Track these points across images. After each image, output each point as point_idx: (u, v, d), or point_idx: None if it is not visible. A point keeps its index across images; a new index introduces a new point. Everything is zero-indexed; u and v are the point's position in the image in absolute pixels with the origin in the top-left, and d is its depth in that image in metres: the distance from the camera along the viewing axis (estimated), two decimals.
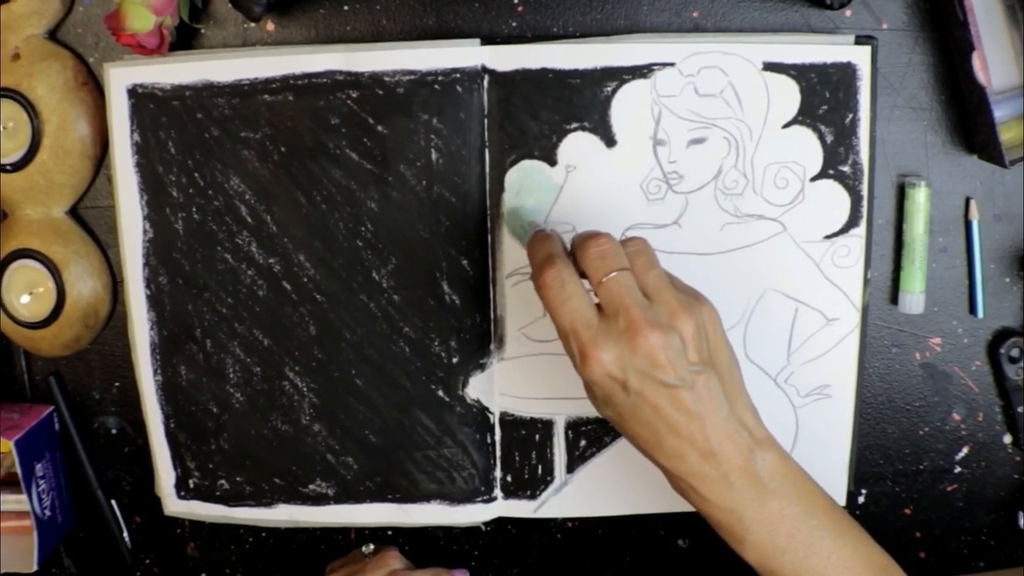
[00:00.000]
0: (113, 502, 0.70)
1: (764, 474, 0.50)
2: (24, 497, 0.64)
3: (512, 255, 0.63)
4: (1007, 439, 0.67)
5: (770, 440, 0.51)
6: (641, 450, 0.51)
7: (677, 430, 0.49)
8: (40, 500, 0.66)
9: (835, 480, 0.66)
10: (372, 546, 0.65)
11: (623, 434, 0.52)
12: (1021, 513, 0.68)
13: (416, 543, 0.69)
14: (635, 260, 0.50)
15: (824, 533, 0.51)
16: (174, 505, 0.69)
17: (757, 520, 0.50)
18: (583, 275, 0.51)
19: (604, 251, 0.49)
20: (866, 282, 0.63)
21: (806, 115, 0.61)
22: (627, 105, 0.61)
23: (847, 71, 0.60)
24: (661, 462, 0.50)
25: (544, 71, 0.61)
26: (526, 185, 0.62)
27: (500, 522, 0.69)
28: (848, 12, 0.62)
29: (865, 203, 0.62)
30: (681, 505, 0.67)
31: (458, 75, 0.61)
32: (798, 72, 0.60)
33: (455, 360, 0.65)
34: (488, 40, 0.61)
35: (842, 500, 0.66)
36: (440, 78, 0.61)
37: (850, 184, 0.62)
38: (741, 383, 0.52)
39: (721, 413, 0.49)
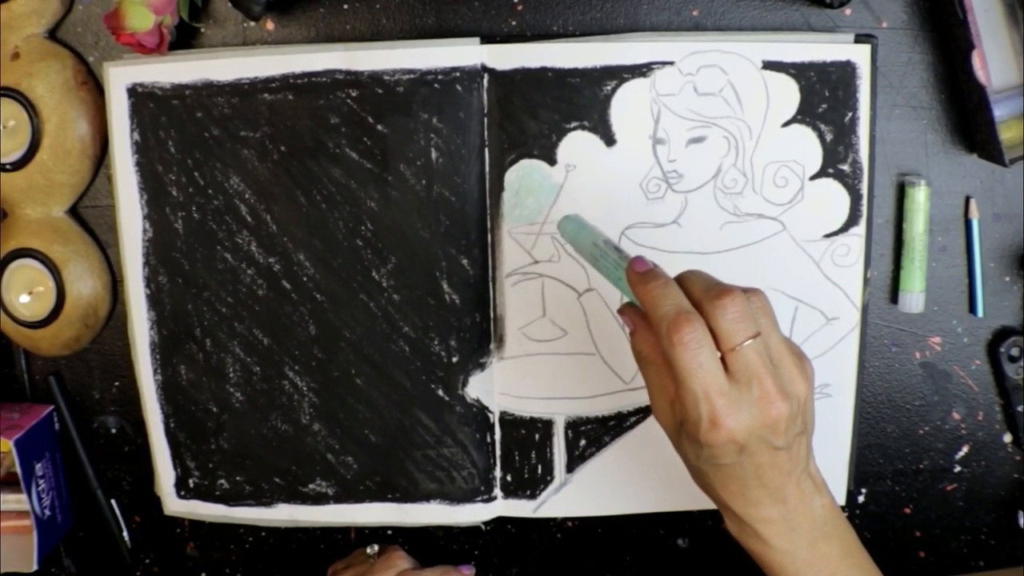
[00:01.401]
0: (113, 502, 0.70)
1: (819, 519, 0.51)
2: (24, 497, 0.64)
3: (511, 255, 0.63)
4: (1007, 438, 0.67)
5: (825, 486, 0.52)
6: (717, 497, 0.52)
7: (764, 483, 0.50)
8: (40, 499, 0.66)
9: (835, 479, 0.66)
10: (376, 547, 0.65)
11: (702, 483, 0.52)
12: (1021, 512, 0.68)
13: (416, 543, 0.69)
14: (758, 319, 0.48)
15: (857, 572, 0.53)
16: (174, 504, 0.69)
17: (808, 562, 0.52)
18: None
19: (740, 314, 0.47)
20: (866, 281, 0.63)
21: (805, 114, 0.61)
22: (627, 104, 0.61)
23: (847, 70, 0.60)
24: (737, 510, 0.51)
25: (544, 70, 0.61)
26: (525, 185, 0.62)
27: (500, 522, 0.69)
28: (848, 11, 0.62)
29: (865, 202, 0.62)
30: (681, 505, 0.67)
31: (458, 74, 0.61)
32: (797, 71, 0.60)
33: (455, 359, 0.65)
34: (488, 39, 0.61)
35: (842, 499, 0.66)
36: (440, 77, 0.61)
37: (850, 183, 0.62)
38: (812, 435, 0.52)
39: (800, 467, 0.50)
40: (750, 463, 0.49)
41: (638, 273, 0.49)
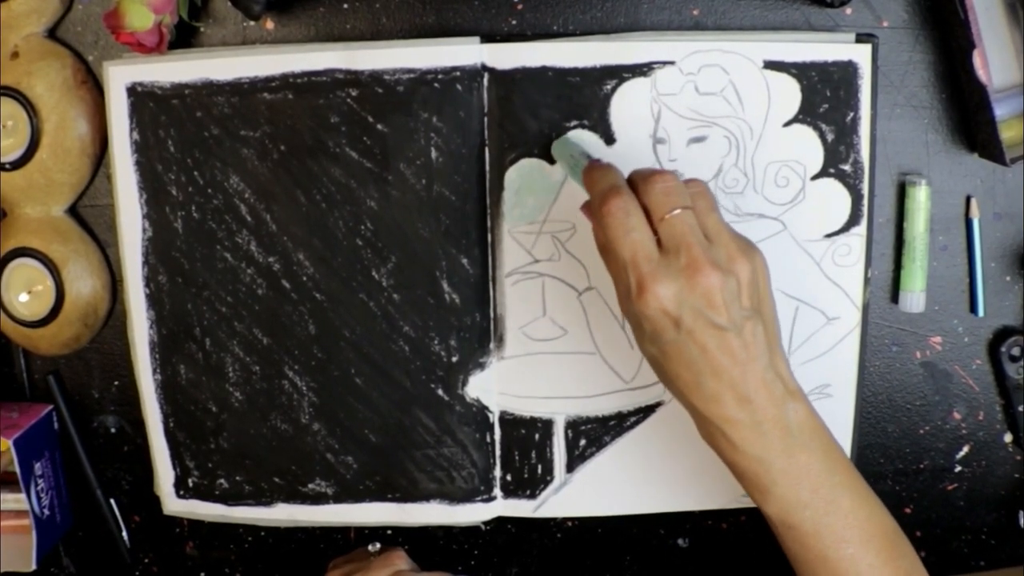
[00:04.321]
0: (112, 501, 0.70)
1: (794, 425, 0.50)
2: (23, 496, 0.64)
3: (512, 254, 0.63)
4: (1007, 438, 0.67)
5: (800, 393, 0.51)
6: (677, 391, 0.51)
7: (719, 373, 0.49)
8: (39, 499, 0.66)
9: None
10: (379, 545, 0.65)
11: (660, 375, 0.52)
12: (1022, 512, 0.68)
13: (416, 542, 0.69)
14: (696, 201, 0.50)
15: (844, 491, 0.51)
16: (173, 504, 0.69)
17: (784, 472, 0.50)
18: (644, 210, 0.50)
19: (669, 188, 0.49)
20: (867, 281, 0.63)
21: (807, 113, 0.61)
22: (627, 103, 0.61)
23: (848, 69, 0.60)
24: (697, 405, 0.50)
25: (544, 69, 0.60)
26: (526, 183, 0.62)
27: (500, 521, 0.69)
28: (848, 10, 0.62)
29: (866, 202, 0.62)
30: (681, 505, 0.67)
31: (458, 73, 0.61)
32: (799, 70, 0.60)
33: (455, 359, 0.65)
34: (488, 38, 0.61)
35: None
36: (440, 76, 0.61)
37: (851, 183, 0.62)
38: (779, 335, 0.52)
39: (762, 361, 0.49)
40: (692, 343, 0.48)
41: (590, 166, 0.53)
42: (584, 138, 0.61)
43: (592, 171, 0.52)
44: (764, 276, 0.51)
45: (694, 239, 0.48)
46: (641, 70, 0.60)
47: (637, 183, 0.50)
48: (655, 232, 0.49)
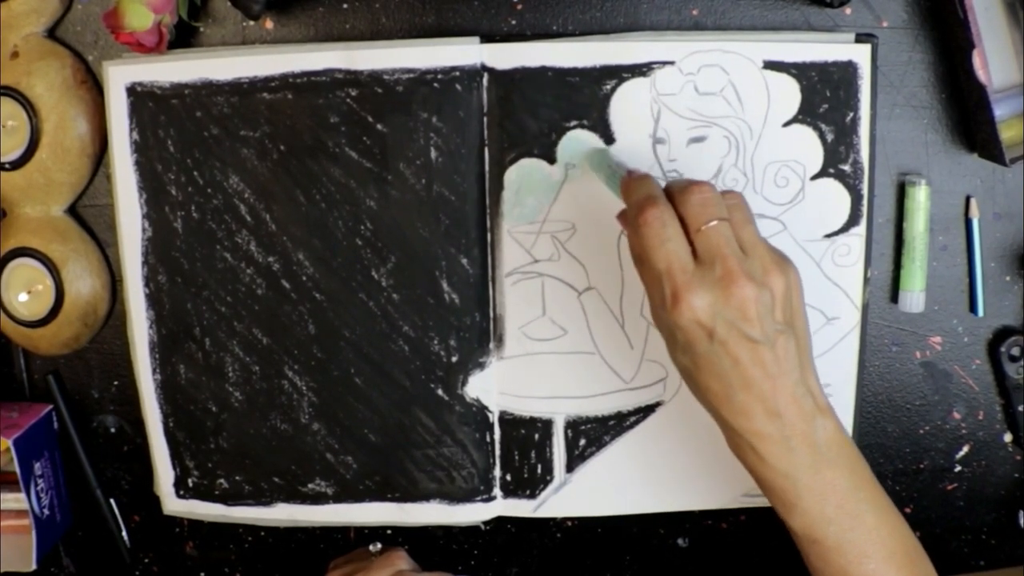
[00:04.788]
0: (112, 501, 0.70)
1: (822, 442, 0.50)
2: (23, 496, 0.64)
3: (511, 254, 0.63)
4: (1007, 438, 0.67)
5: (830, 409, 0.51)
6: (707, 403, 0.51)
7: (750, 386, 0.49)
8: (39, 499, 0.66)
9: None
10: (380, 545, 0.65)
11: (691, 385, 0.52)
12: (1021, 512, 0.68)
13: (416, 542, 0.69)
14: (733, 213, 0.50)
15: (868, 507, 0.51)
16: (173, 504, 0.69)
17: (810, 488, 0.50)
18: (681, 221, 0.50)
19: (707, 199, 0.49)
20: (866, 281, 0.63)
21: (806, 114, 0.61)
22: (626, 103, 0.61)
23: (847, 69, 0.60)
24: (726, 417, 0.50)
25: (543, 69, 0.60)
26: (525, 183, 0.62)
27: (499, 521, 0.69)
28: (848, 10, 0.62)
29: (865, 202, 0.62)
30: (681, 504, 0.67)
31: (457, 73, 0.61)
32: (798, 71, 0.60)
33: (454, 359, 0.65)
34: (487, 38, 0.61)
35: None
36: (439, 76, 0.61)
37: (850, 183, 0.62)
38: (811, 350, 0.52)
39: (793, 376, 0.49)
40: (725, 354, 0.48)
41: (628, 176, 0.53)
42: (583, 138, 0.61)
43: (630, 181, 0.53)
44: (798, 291, 0.51)
45: (730, 251, 0.48)
46: (641, 70, 0.60)
47: (674, 194, 0.50)
48: (691, 243, 0.49)
